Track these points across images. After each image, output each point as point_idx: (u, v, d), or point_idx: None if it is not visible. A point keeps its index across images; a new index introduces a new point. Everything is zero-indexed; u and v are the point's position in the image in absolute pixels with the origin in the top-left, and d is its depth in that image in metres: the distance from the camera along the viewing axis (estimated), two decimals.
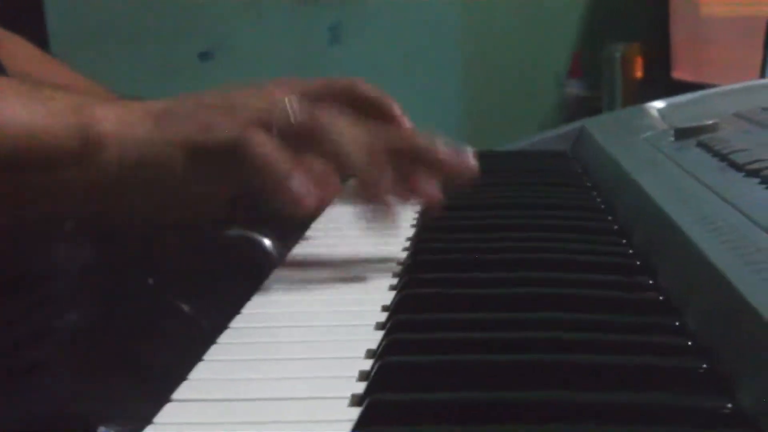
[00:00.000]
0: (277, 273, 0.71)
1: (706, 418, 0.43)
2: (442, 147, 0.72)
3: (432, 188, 0.71)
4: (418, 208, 0.89)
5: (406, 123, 0.89)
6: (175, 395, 0.48)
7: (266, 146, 0.67)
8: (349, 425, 0.44)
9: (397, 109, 0.87)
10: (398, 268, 0.70)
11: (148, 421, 0.45)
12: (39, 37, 2.76)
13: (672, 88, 2.51)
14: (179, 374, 0.50)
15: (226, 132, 0.68)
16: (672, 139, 0.91)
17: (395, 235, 0.79)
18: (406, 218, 0.85)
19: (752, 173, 0.69)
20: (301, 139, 0.69)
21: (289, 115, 0.69)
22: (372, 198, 0.70)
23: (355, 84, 0.86)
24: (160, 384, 0.49)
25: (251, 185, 0.69)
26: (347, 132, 0.69)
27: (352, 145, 0.69)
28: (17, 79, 0.71)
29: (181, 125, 0.69)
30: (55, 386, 0.74)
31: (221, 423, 0.45)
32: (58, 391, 0.74)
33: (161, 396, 0.47)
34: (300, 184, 0.66)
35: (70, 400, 0.73)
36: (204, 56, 3.02)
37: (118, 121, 0.69)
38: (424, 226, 0.81)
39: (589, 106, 2.79)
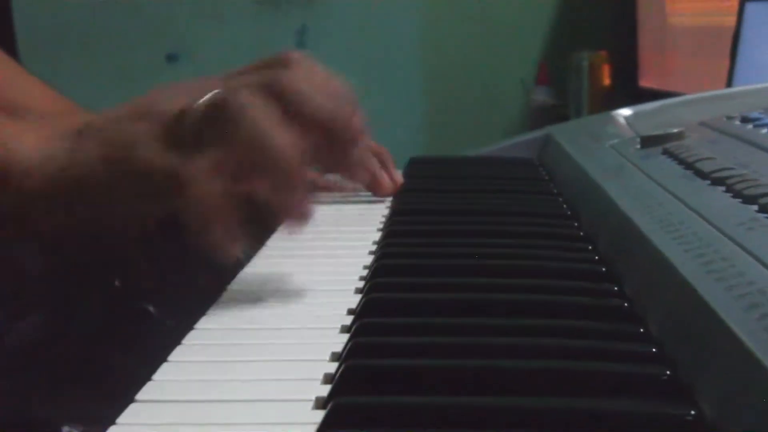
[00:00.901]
0: (244, 275, 0.71)
1: (668, 424, 0.44)
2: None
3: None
4: (384, 212, 0.89)
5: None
6: (140, 396, 0.48)
7: (208, 186, 0.64)
8: (313, 428, 0.44)
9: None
10: (364, 272, 0.70)
11: (112, 421, 0.45)
12: (6, 41, 2.75)
13: (639, 96, 2.52)
14: (144, 375, 0.50)
15: (145, 147, 0.65)
16: (638, 146, 0.92)
17: (362, 239, 0.79)
18: (373, 222, 0.85)
19: (717, 181, 0.70)
20: (215, 136, 0.65)
21: (202, 114, 0.65)
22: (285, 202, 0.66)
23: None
24: (125, 384, 0.49)
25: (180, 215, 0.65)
26: (270, 132, 0.65)
27: (275, 149, 0.64)
28: None
29: (100, 140, 0.68)
30: (18, 386, 0.74)
31: (185, 424, 0.45)
32: (20, 390, 0.73)
33: (126, 396, 0.47)
34: (226, 234, 0.63)
35: (33, 400, 0.73)
36: (171, 58, 3.01)
37: (38, 142, 0.68)
38: (390, 230, 0.81)
39: (555, 114, 2.80)
